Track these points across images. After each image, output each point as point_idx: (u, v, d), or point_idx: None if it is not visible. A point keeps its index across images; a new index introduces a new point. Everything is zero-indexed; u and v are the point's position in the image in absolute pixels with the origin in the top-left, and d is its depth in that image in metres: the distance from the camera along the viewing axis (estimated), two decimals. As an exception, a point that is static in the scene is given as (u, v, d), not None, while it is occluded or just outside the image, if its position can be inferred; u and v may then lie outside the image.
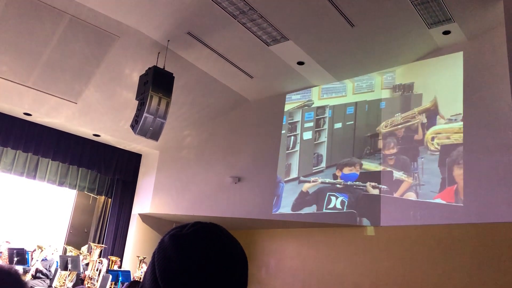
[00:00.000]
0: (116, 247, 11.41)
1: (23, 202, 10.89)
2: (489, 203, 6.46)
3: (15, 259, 8.28)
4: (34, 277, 8.53)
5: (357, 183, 8.25)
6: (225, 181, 9.82)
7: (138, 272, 10.03)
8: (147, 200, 11.42)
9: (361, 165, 8.33)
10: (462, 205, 6.72)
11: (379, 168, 8.08)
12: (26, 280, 7.82)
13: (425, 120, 7.76)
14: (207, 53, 8.27)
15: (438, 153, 7.39)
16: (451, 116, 7.43)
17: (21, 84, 8.67)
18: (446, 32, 7.14)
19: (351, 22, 6.98)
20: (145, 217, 11.64)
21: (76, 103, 9.38)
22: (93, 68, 8.56)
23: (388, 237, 7.66)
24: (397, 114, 8.16)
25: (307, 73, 8.75)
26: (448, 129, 7.39)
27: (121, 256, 11.09)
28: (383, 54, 7.85)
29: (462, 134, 7.12)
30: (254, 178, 9.48)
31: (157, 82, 7.45)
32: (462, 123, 7.17)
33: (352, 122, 8.74)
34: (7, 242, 9.21)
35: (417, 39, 7.36)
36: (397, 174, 7.83)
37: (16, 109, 9.64)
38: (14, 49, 7.93)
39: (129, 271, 9.59)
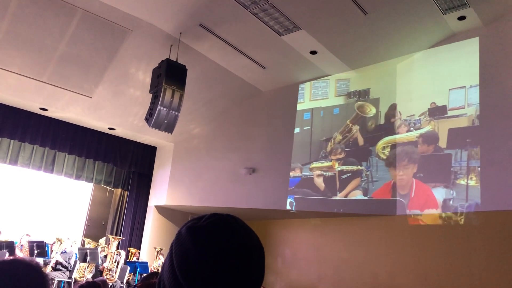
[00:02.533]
0: (134, 239, 11.56)
1: (41, 196, 11.07)
2: (506, 191, 6.37)
3: (36, 251, 8.44)
4: (54, 269, 8.69)
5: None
6: (239, 172, 9.85)
7: (155, 263, 10.15)
8: (163, 192, 11.51)
9: (301, 169, 9.07)
10: (478, 193, 6.65)
11: (329, 164, 8.79)
12: (46, 272, 7.97)
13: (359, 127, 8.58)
14: (219, 44, 8.26)
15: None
16: (406, 117, 7.89)
17: (37, 80, 8.77)
18: (462, 18, 7.01)
19: (364, 9, 6.90)
20: (161, 209, 11.76)
21: (90, 97, 9.47)
22: (107, 62, 8.62)
23: (404, 226, 7.62)
24: (335, 134, 8.80)
25: (320, 62, 8.68)
26: (401, 138, 7.89)
27: (138, 247, 11.24)
28: (397, 42, 7.75)
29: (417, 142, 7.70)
30: (268, 169, 9.49)
31: (170, 75, 7.47)
32: (419, 131, 7.70)
33: (309, 127, 9.32)
34: (27, 235, 9.40)
35: (431, 25, 7.24)
36: (344, 176, 8.45)
37: (32, 104, 9.77)
38: (28, 44, 8.01)
39: (146, 263, 9.71)
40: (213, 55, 8.68)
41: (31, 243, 8.65)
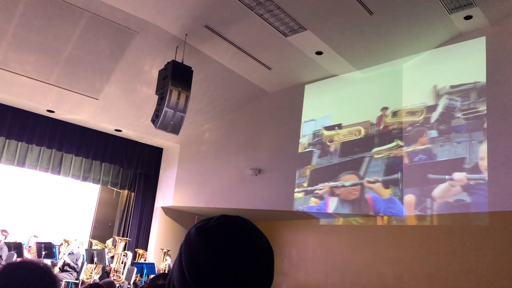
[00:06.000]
0: (140, 240, 11.59)
1: (49, 198, 11.13)
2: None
3: (43, 253, 8.49)
4: (62, 270, 8.74)
5: None
6: (245, 173, 9.85)
7: (162, 265, 10.17)
8: (169, 193, 11.54)
9: None
10: (485, 193, 6.61)
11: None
12: (54, 273, 8.00)
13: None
14: (225, 46, 8.27)
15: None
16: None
17: (44, 82, 8.82)
18: (468, 17, 6.97)
19: (369, 9, 6.88)
20: (167, 210, 11.78)
21: (97, 99, 9.51)
22: (113, 64, 8.66)
23: (411, 227, 7.59)
24: None
25: (326, 63, 8.67)
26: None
27: (145, 248, 11.27)
28: (404, 41, 7.72)
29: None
30: (274, 169, 9.48)
31: (176, 76, 7.50)
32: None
33: None
34: (35, 236, 9.45)
35: (438, 25, 7.21)
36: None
37: (39, 107, 9.83)
38: (36, 47, 8.06)
39: (153, 264, 9.74)
40: (218, 56, 8.70)
41: (38, 244, 8.70)
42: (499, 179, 6.49)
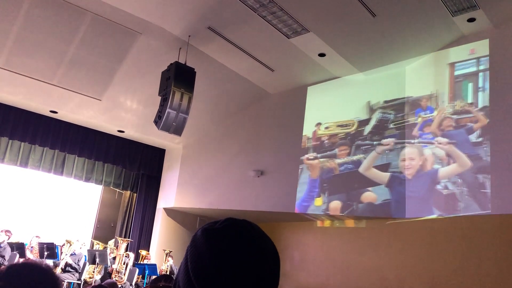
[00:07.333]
0: (142, 241, 11.58)
1: (51, 198, 11.14)
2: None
3: (45, 253, 8.50)
4: (64, 270, 8.75)
5: None
6: (248, 175, 9.84)
7: (164, 266, 10.17)
8: (172, 194, 11.54)
9: None
10: (488, 196, 6.60)
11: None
12: (56, 273, 8.01)
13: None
14: (227, 47, 8.28)
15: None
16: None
17: (47, 83, 8.84)
18: (471, 20, 6.96)
19: (372, 12, 6.88)
20: (170, 211, 11.78)
21: (100, 100, 9.53)
22: (116, 65, 8.67)
23: (413, 229, 7.58)
24: None
25: (328, 64, 8.67)
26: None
27: (147, 249, 11.27)
28: (407, 44, 7.72)
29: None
30: (276, 171, 9.48)
31: (179, 78, 7.51)
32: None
33: None
34: (37, 237, 9.46)
35: (441, 27, 7.21)
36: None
37: (42, 107, 9.85)
38: (39, 48, 8.08)
39: (155, 265, 9.73)
40: (221, 57, 8.71)
41: (41, 245, 8.71)
42: (502, 182, 6.47)
